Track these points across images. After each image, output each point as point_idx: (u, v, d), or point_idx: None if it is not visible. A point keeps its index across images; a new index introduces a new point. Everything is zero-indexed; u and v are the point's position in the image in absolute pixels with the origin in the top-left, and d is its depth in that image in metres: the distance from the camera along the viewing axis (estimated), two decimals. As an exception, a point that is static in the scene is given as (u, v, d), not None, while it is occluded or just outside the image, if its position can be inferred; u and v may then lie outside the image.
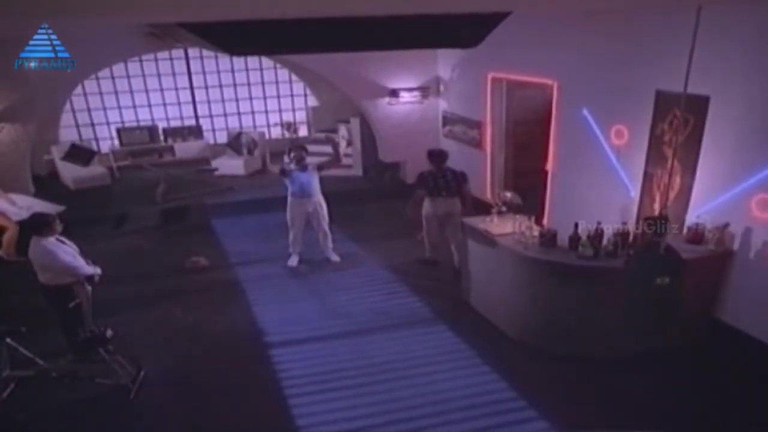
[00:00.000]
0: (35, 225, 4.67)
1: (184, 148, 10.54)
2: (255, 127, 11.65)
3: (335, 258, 7.16)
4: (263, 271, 7.01)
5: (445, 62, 8.95)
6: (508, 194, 5.50)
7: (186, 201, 9.05)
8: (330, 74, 8.80)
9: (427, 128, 9.27)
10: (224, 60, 11.21)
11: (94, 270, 4.89)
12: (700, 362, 4.85)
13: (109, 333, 4.55)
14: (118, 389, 4.65)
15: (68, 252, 4.76)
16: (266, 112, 11.83)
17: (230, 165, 10.24)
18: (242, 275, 6.91)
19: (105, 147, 10.73)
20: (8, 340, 4.51)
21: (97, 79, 10.55)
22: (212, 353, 5.26)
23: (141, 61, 10.72)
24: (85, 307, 4.77)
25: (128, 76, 10.77)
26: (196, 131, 10.88)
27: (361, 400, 4.55)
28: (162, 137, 10.63)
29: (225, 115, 11.64)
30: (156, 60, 10.81)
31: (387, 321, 5.76)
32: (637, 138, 5.62)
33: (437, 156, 6.48)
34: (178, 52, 10.81)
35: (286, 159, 6.96)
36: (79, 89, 10.43)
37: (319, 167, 6.95)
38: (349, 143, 7.08)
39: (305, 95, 11.86)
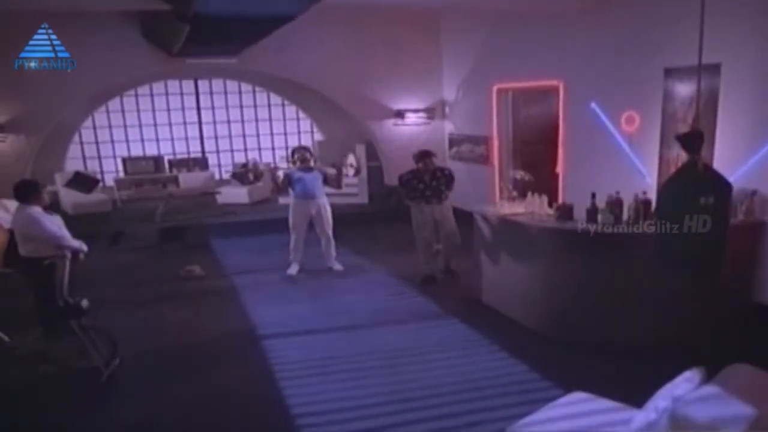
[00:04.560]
0: (21, 192, 4.45)
1: (189, 179, 10.46)
2: (261, 161, 11.66)
3: (338, 267, 6.77)
4: (260, 278, 6.63)
5: (449, 83, 9.04)
6: (519, 173, 5.24)
7: (185, 221, 8.83)
8: (335, 95, 8.87)
9: (434, 151, 9.15)
10: (233, 96, 11.45)
11: (79, 245, 4.58)
12: (739, 347, 4.30)
13: (84, 303, 4.17)
14: (89, 373, 4.17)
15: (54, 222, 4.50)
16: (273, 148, 11.90)
17: (235, 194, 10.11)
18: (238, 282, 6.52)
19: (110, 180, 10.69)
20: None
21: (108, 112, 10.75)
22: (199, 345, 4.80)
23: (152, 95, 10.96)
24: (62, 279, 4.41)
25: (138, 110, 10.98)
26: (201, 162, 10.87)
27: (362, 382, 4.05)
28: (167, 168, 10.61)
29: (232, 150, 11.70)
30: (167, 95, 11.06)
31: (392, 316, 5.31)
32: (648, 121, 5.45)
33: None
34: (188, 87, 11.07)
35: (290, 165, 6.81)
36: (88, 122, 10.59)
37: (325, 178, 6.73)
38: (357, 171, 6.91)
39: (312, 131, 11.97)
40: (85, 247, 4.66)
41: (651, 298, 4.31)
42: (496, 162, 8.05)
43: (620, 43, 5.67)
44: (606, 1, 5.72)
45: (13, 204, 7.33)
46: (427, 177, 6.16)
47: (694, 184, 2.95)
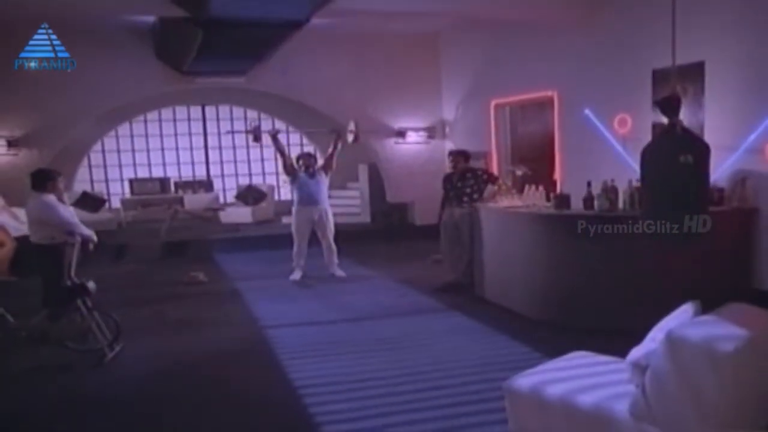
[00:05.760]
0: (38, 180, 4.62)
1: (194, 200, 10.66)
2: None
3: (340, 273, 6.82)
4: (263, 283, 6.70)
5: (449, 103, 9.36)
6: (518, 168, 5.41)
7: (189, 237, 8.95)
8: (338, 115, 9.15)
9: (434, 170, 9.31)
10: (239, 122, 11.80)
11: (90, 233, 4.72)
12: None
13: (91, 285, 4.24)
14: (91, 354, 4.21)
15: (68, 210, 4.68)
16: (277, 173, 12.12)
17: (238, 213, 10.27)
18: (241, 286, 6.58)
19: (116, 202, 10.88)
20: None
21: (117, 137, 11.07)
22: (200, 335, 4.83)
23: (160, 121, 11.31)
24: (70, 262, 4.50)
25: (146, 135, 11.30)
26: (206, 184, 11.09)
27: (364, 361, 4.08)
28: (173, 189, 10.81)
29: (236, 175, 11.95)
30: (174, 120, 11.41)
31: (394, 311, 5.37)
32: (640, 121, 5.65)
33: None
34: (195, 113, 11.43)
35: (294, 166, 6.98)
36: (98, 146, 10.88)
37: (326, 164, 6.88)
38: (356, 138, 6.97)
39: (315, 156, 12.23)
40: (95, 237, 4.80)
41: (649, 283, 4.36)
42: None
43: (609, 50, 5.96)
44: (594, 10, 6.07)
45: (22, 212, 7.53)
46: (455, 178, 5.97)
47: (673, 144, 3.12)
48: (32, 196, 4.63)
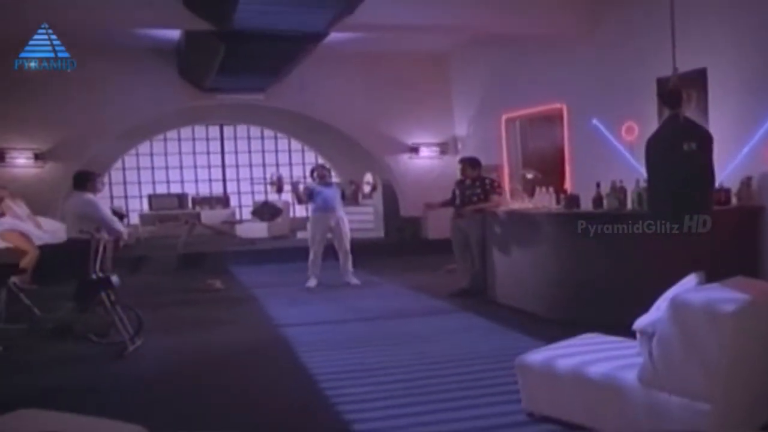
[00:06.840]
0: (80, 180, 4.88)
1: (211, 215, 10.91)
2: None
3: (355, 281, 6.92)
4: (279, 290, 6.82)
5: (461, 119, 9.58)
6: (529, 172, 5.55)
7: (206, 249, 9.14)
8: (353, 131, 9.44)
9: (447, 185, 9.42)
10: (256, 141, 12.15)
11: (124, 230, 4.98)
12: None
13: (114, 279, 4.42)
14: (113, 347, 4.34)
15: (107, 208, 4.95)
16: (292, 191, 12.38)
17: (254, 229, 10.48)
18: (257, 293, 6.71)
19: (134, 218, 11.16)
20: (13, 280, 4.40)
21: (137, 155, 11.43)
22: (217, 335, 4.93)
23: (179, 140, 11.69)
24: (95, 257, 4.69)
25: (166, 153, 11.66)
26: (223, 200, 11.36)
27: (380, 353, 4.18)
28: (190, 204, 11.09)
29: (252, 192, 12.22)
30: (193, 140, 11.78)
31: (407, 312, 5.47)
32: (647, 129, 5.73)
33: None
34: (214, 132, 11.80)
35: (309, 180, 7.20)
36: (118, 163, 11.25)
37: (343, 194, 7.12)
38: (374, 188, 7.26)
39: (330, 170, 12.49)
40: (125, 236, 5.06)
41: (657, 279, 4.38)
42: (507, 187, 8.35)
43: (615, 61, 6.15)
44: (599, 21, 6.30)
45: (47, 221, 7.80)
46: (466, 184, 6.11)
47: (677, 133, 3.25)
48: (74, 194, 4.92)
